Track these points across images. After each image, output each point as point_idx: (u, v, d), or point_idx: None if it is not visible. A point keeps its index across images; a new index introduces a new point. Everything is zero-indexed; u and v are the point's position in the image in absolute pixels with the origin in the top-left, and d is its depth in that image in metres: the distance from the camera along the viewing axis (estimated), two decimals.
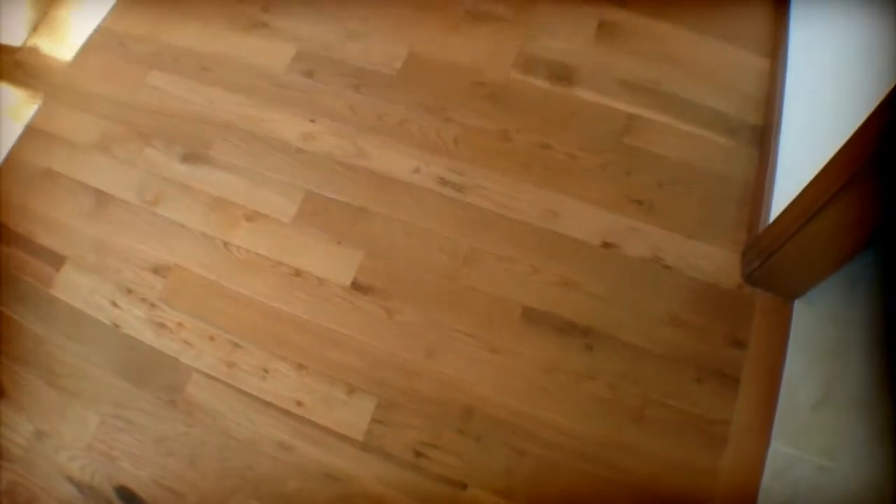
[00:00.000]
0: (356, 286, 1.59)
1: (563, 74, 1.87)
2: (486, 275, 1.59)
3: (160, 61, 1.99)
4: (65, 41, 2.11)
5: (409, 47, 1.94)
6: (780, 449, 1.37)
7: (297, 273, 1.62)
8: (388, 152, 1.76)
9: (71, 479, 1.49)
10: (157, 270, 1.66)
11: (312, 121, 1.82)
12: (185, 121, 1.87)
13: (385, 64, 1.91)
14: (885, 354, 1.41)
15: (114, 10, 2.15)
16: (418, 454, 1.43)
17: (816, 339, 1.48)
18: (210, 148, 1.81)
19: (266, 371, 1.53)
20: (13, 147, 1.92)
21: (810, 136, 1.47)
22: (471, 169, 1.72)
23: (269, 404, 1.50)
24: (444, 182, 1.70)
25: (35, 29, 2.16)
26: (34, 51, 2.11)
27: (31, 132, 1.94)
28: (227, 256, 1.65)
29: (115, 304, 1.64)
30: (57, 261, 1.71)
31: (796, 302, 1.52)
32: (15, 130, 1.95)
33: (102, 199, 1.78)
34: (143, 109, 1.91)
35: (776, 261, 1.46)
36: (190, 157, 1.80)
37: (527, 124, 1.78)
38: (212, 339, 1.57)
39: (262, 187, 1.73)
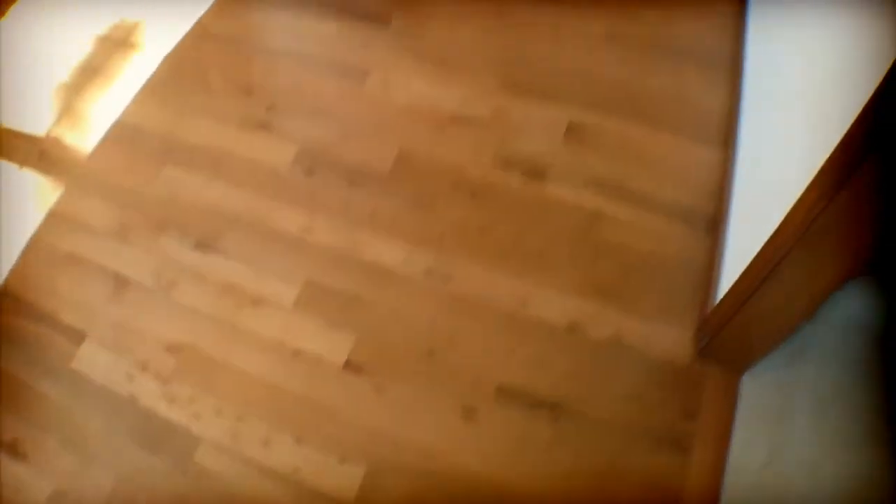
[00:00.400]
0: (349, 366, 1.79)
1: (536, 172, 2.10)
2: (466, 355, 1.79)
3: (175, 155, 2.21)
4: (86, 132, 2.33)
5: (398, 147, 2.17)
6: None
7: (297, 353, 1.81)
8: (379, 244, 1.97)
9: None
10: (170, 349, 1.85)
11: (311, 215, 2.04)
12: (197, 212, 2.08)
13: (377, 163, 2.14)
14: (828, 416, 1.55)
15: (132, 104, 2.37)
16: None
17: (762, 407, 1.64)
18: (220, 238, 2.02)
19: (267, 442, 1.72)
20: (38, 230, 2.12)
21: (754, 220, 1.61)
22: (453, 260, 1.94)
23: (270, 470, 1.68)
24: (429, 272, 1.92)
25: (59, 119, 2.39)
26: (57, 141, 2.32)
27: (53, 217, 2.14)
28: (234, 338, 1.85)
29: (131, 379, 1.83)
30: (78, 337, 1.90)
31: (745, 373, 1.70)
32: (39, 215, 2.16)
33: (121, 281, 1.98)
34: (158, 200, 2.12)
35: (722, 338, 1.63)
36: (201, 246, 2.01)
37: (504, 219, 2.00)
38: (219, 412, 1.76)
39: (266, 275, 1.94)
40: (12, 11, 2.79)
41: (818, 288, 1.36)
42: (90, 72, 2.51)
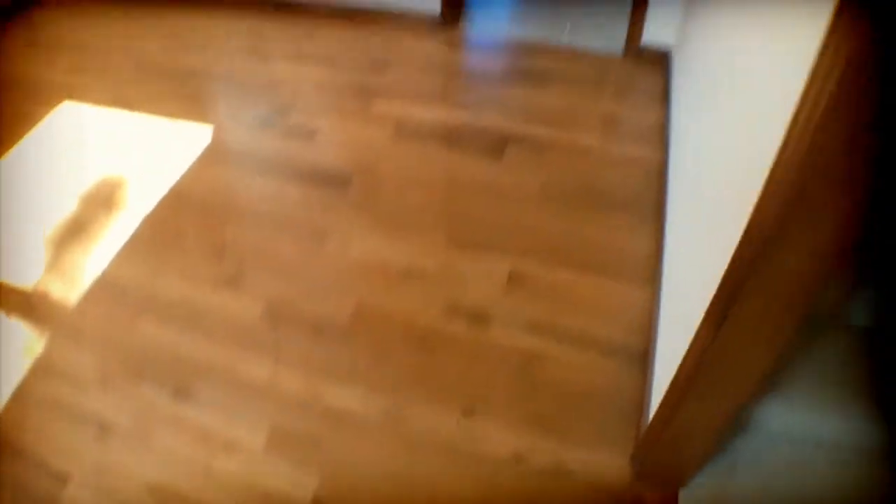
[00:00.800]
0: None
1: (479, 319, 2.38)
2: (420, 488, 2.02)
3: (153, 309, 2.47)
4: (71, 285, 2.58)
5: (356, 301, 2.47)
6: None
7: (266, 496, 2.03)
8: (339, 390, 2.22)
9: None
10: (151, 490, 2.05)
11: (277, 365, 2.30)
12: (172, 362, 2.32)
13: (336, 315, 2.42)
14: None
15: (114, 261, 2.65)
16: None
17: None
18: (194, 386, 2.25)
19: None
20: (25, 377, 2.33)
21: (673, 351, 1.78)
22: (406, 401, 2.17)
23: None
24: (386, 413, 2.15)
25: (46, 272, 2.64)
26: (45, 293, 2.57)
27: (39, 365, 2.35)
28: (208, 480, 2.06)
29: None
30: (63, 479, 2.09)
31: (681, 490, 1.89)
32: (25, 362, 2.37)
33: (103, 426, 2.18)
34: (137, 350, 2.36)
35: (655, 459, 1.83)
36: (177, 394, 2.24)
37: (451, 362, 2.25)
38: None
39: (237, 421, 2.17)
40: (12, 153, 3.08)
41: (726, 408, 1.59)
42: (76, 228, 2.78)
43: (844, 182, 1.03)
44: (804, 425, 2.03)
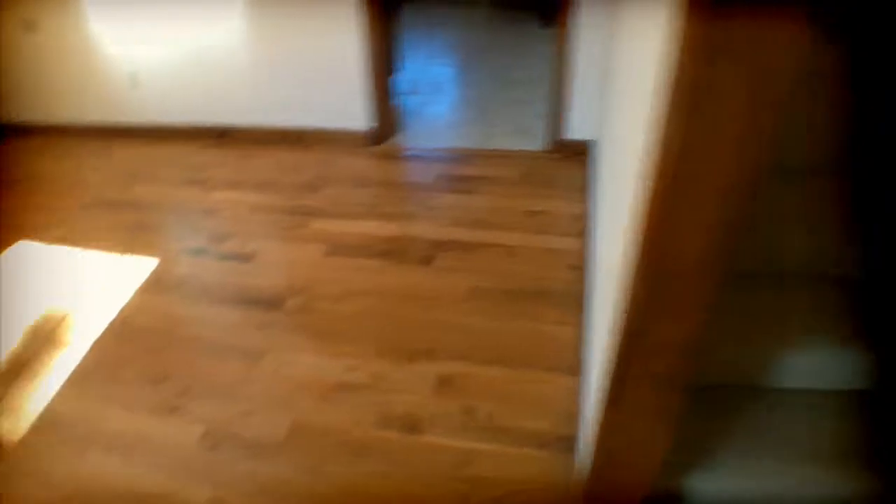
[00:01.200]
0: None
1: (411, 425, 2.48)
2: None
3: (97, 440, 2.56)
4: (16, 421, 2.67)
5: (291, 418, 2.57)
6: None
7: None
8: None
9: None
10: None
11: (216, 489, 2.37)
12: (115, 494, 2.39)
13: (273, 434, 2.52)
14: None
15: (60, 393, 2.74)
16: None
17: None
18: None
19: None
20: None
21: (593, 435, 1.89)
22: None
23: None
24: None
25: None
26: None
27: None
28: None
29: None
30: None
31: None
32: None
33: None
34: (82, 484, 2.44)
35: None
36: None
37: (385, 471, 2.32)
38: None
39: None
40: None
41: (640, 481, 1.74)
42: (20, 364, 2.89)
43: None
44: (738, 490, 2.13)
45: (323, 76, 4.08)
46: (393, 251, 3.31)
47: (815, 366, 2.20)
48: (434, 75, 5.25)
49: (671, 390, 1.56)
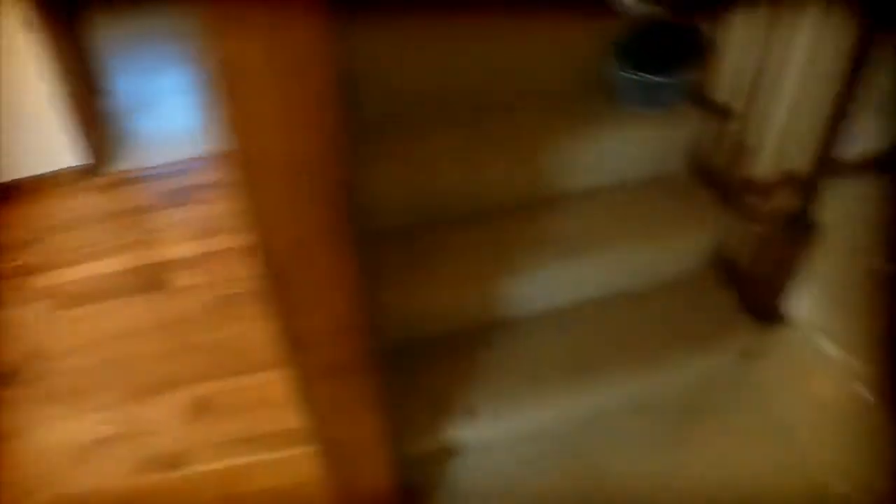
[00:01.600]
0: None
1: (173, 461, 2.45)
2: None
3: None
4: None
5: (52, 494, 2.45)
6: None
7: None
8: None
9: None
10: None
11: None
12: None
13: None
14: None
15: None
16: None
17: None
18: None
19: None
20: None
21: None
22: None
23: None
24: None
25: None
26: None
27: None
28: None
29: None
30: None
31: None
32: None
33: None
34: None
35: None
36: None
37: None
38: None
39: None
40: None
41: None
42: None
43: None
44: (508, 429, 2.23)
45: (13, 120, 3.75)
46: (121, 286, 3.18)
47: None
48: (155, 86, 4.99)
49: (352, 374, 1.57)
